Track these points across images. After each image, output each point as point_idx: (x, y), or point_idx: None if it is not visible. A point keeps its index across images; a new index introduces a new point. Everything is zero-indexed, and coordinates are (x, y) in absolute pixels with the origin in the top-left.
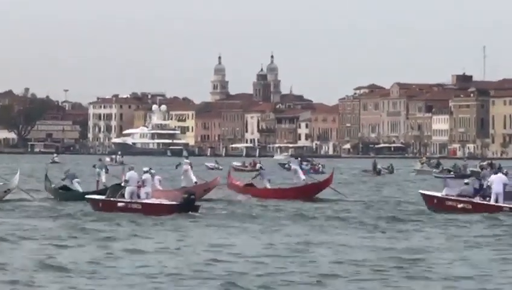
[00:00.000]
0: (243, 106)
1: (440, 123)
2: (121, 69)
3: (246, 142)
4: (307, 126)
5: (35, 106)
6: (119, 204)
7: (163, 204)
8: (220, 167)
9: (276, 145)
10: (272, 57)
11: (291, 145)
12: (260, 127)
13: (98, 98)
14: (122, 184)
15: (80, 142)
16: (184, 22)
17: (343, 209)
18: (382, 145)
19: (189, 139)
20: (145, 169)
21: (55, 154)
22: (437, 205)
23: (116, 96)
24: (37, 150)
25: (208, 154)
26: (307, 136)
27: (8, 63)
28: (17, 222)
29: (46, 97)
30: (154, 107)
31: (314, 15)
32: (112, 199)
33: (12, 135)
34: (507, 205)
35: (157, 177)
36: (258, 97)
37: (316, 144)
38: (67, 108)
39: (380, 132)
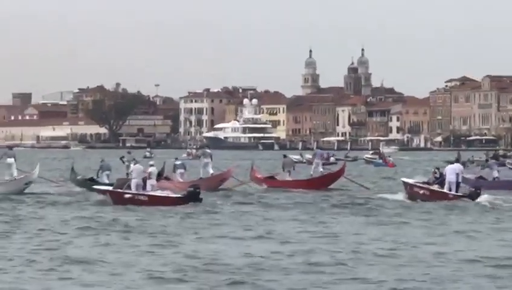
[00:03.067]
0: (334, 99)
1: None
2: (212, 63)
3: (337, 135)
4: (398, 119)
5: (126, 100)
6: (126, 195)
7: (168, 196)
8: (304, 160)
9: (368, 138)
10: (363, 50)
11: (382, 138)
12: (351, 121)
13: (189, 93)
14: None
15: (171, 136)
16: (275, 16)
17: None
18: (473, 137)
19: (281, 133)
20: (151, 163)
21: (147, 149)
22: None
23: (207, 90)
24: (128, 144)
25: (299, 147)
26: (398, 129)
27: (99, 58)
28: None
29: (137, 92)
30: (246, 101)
31: (405, 8)
32: (119, 190)
33: (103, 130)
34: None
35: (178, 171)
36: (349, 90)
37: (407, 137)
38: (158, 103)
39: (471, 125)
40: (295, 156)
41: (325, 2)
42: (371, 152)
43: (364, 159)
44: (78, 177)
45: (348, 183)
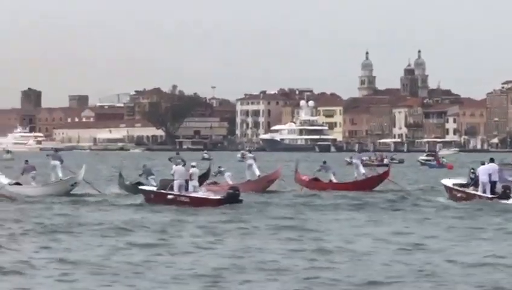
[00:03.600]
0: (391, 101)
1: None
2: (268, 65)
3: (394, 137)
4: (454, 121)
5: (183, 103)
6: (169, 196)
7: (208, 198)
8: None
9: (424, 140)
10: (419, 51)
11: (439, 140)
12: (408, 122)
13: (245, 95)
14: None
15: (228, 138)
16: (332, 18)
17: None
18: None
19: (337, 134)
20: (193, 164)
21: (204, 151)
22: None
23: (263, 92)
24: (185, 147)
25: (356, 149)
26: (455, 131)
27: (155, 61)
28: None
29: (194, 94)
30: (302, 103)
31: (461, 10)
32: (162, 191)
33: (160, 132)
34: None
35: (227, 174)
36: (405, 92)
37: (464, 138)
38: (214, 105)
39: None
40: (346, 158)
41: (382, 4)
42: (425, 154)
43: (419, 161)
44: (126, 183)
45: (390, 185)
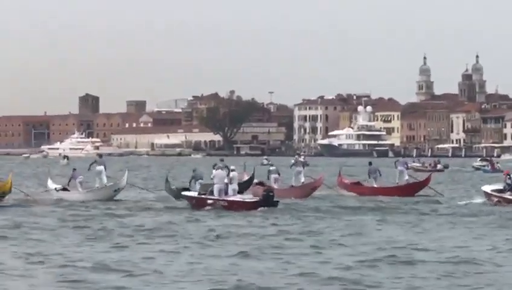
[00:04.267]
0: (448, 106)
1: None
2: (326, 70)
3: (452, 142)
4: None
5: (240, 108)
6: (209, 201)
7: (244, 201)
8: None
9: (482, 145)
10: (477, 56)
11: (496, 145)
12: (465, 127)
13: (303, 100)
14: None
15: (286, 143)
16: (390, 23)
17: None
18: None
19: (395, 140)
20: (232, 167)
21: (265, 157)
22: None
23: (321, 97)
24: (242, 152)
25: (414, 154)
26: None
27: (213, 66)
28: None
29: (251, 99)
30: (360, 108)
31: None
32: (203, 196)
33: (218, 138)
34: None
35: (273, 176)
36: (463, 97)
37: None
38: (272, 110)
39: None
40: (415, 163)
41: (439, 9)
42: (479, 159)
43: (473, 166)
44: (172, 187)
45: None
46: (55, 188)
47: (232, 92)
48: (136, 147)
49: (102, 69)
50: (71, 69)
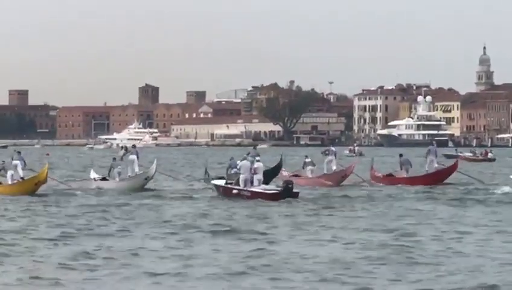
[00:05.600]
0: (508, 96)
1: None
2: (386, 60)
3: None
4: None
5: (300, 98)
6: (234, 191)
7: (265, 192)
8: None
9: None
10: None
11: None
12: None
13: (363, 90)
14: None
15: (345, 134)
16: (449, 13)
17: None
18: None
19: (455, 130)
20: (257, 158)
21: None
22: None
23: (381, 87)
24: (302, 142)
25: (474, 144)
26: None
27: (273, 57)
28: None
29: (311, 89)
30: (420, 98)
31: None
32: (229, 185)
33: (277, 128)
34: None
35: (309, 168)
36: None
37: None
38: (332, 100)
39: None
40: (467, 153)
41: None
42: None
43: None
44: (212, 176)
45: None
46: (94, 178)
47: (292, 82)
48: (195, 138)
49: (162, 59)
50: (131, 60)
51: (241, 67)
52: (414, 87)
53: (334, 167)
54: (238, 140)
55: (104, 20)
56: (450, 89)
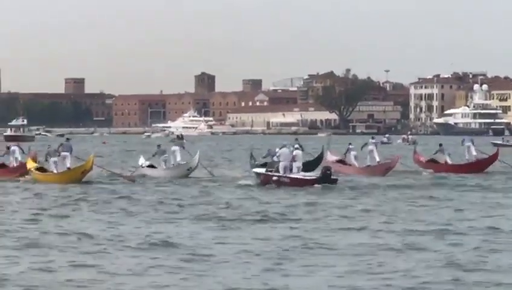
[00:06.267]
0: None
1: None
2: (442, 48)
3: None
4: None
5: (356, 86)
6: (273, 178)
7: (305, 178)
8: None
9: None
10: None
11: None
12: None
13: (419, 79)
14: (275, 159)
15: (401, 122)
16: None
17: None
18: None
19: (511, 118)
20: (296, 146)
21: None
22: None
23: (437, 76)
24: (358, 131)
25: None
26: None
27: (330, 45)
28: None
29: (367, 78)
30: (476, 86)
31: None
32: (269, 173)
33: (333, 116)
34: None
35: (353, 153)
36: None
37: None
38: (388, 88)
39: None
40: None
41: None
42: None
43: None
44: (256, 163)
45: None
46: (141, 165)
47: (348, 70)
48: (251, 126)
49: (219, 47)
50: (187, 48)
51: (297, 55)
52: (470, 76)
53: (377, 158)
54: (294, 128)
55: (161, 9)
56: (506, 78)
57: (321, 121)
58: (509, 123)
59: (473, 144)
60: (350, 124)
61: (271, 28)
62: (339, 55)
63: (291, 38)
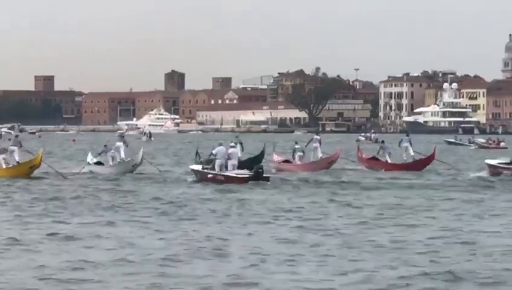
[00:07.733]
0: None
1: None
2: (412, 47)
3: None
4: None
5: (326, 85)
6: (209, 175)
7: (238, 176)
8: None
9: None
10: None
11: None
12: None
13: (389, 77)
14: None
15: (371, 121)
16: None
17: None
18: None
19: (480, 117)
20: (232, 144)
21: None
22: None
23: (407, 74)
24: (328, 129)
25: (500, 132)
26: None
27: (299, 44)
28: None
29: (337, 76)
30: (445, 85)
31: None
32: (205, 170)
33: (303, 114)
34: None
35: (298, 154)
36: None
37: None
38: (358, 87)
39: None
40: (481, 140)
41: None
42: None
43: None
44: (201, 160)
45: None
46: (88, 162)
47: (318, 69)
48: (221, 124)
49: (189, 45)
50: (157, 46)
51: (267, 54)
52: (440, 75)
53: (320, 155)
54: (263, 126)
55: (131, 8)
56: (476, 76)
57: (291, 119)
58: (478, 122)
59: (410, 144)
60: (320, 122)
61: (241, 26)
62: (309, 53)
63: (261, 36)
